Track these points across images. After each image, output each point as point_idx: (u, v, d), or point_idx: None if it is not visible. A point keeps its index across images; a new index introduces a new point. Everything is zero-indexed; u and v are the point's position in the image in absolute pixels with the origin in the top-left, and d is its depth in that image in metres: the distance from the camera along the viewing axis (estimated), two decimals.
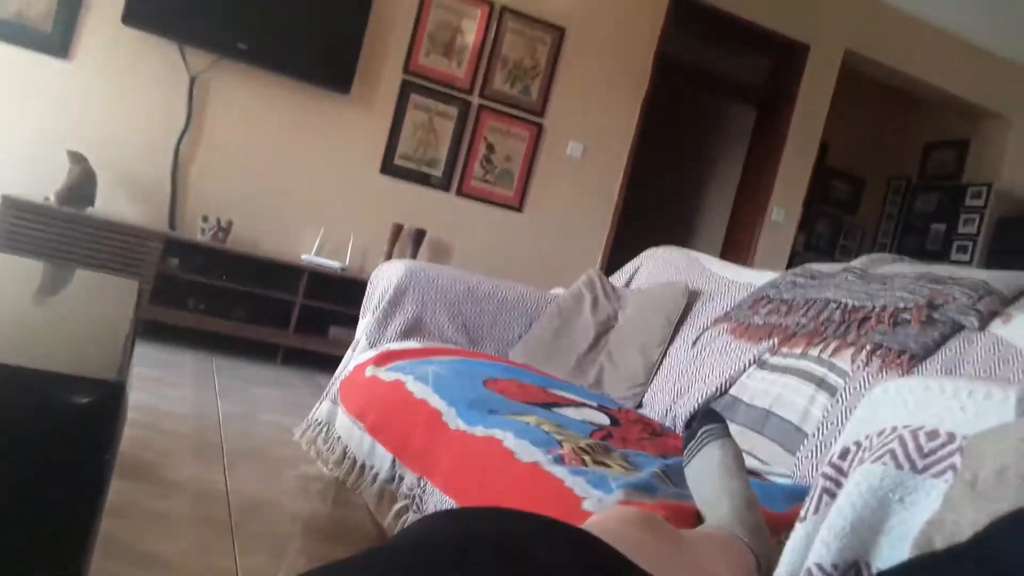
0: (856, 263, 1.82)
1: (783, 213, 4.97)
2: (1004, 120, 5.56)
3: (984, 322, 1.40)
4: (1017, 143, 5.57)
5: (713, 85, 5.37)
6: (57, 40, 3.49)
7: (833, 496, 0.71)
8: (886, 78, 5.43)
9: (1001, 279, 1.50)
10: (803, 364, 1.56)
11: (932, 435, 0.66)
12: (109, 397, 0.91)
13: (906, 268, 1.69)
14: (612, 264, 4.37)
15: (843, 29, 4.95)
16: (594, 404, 1.57)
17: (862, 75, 5.43)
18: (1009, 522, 0.51)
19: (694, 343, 1.91)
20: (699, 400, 1.69)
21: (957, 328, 1.42)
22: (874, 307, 1.56)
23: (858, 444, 0.76)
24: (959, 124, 5.87)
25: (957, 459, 0.62)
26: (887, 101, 6.23)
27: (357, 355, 2.00)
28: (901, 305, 1.51)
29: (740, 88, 5.28)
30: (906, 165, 6.32)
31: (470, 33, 4.13)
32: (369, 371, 1.74)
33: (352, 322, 3.04)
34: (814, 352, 1.57)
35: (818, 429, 1.41)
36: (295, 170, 3.92)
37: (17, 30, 3.43)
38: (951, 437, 0.64)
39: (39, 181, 3.40)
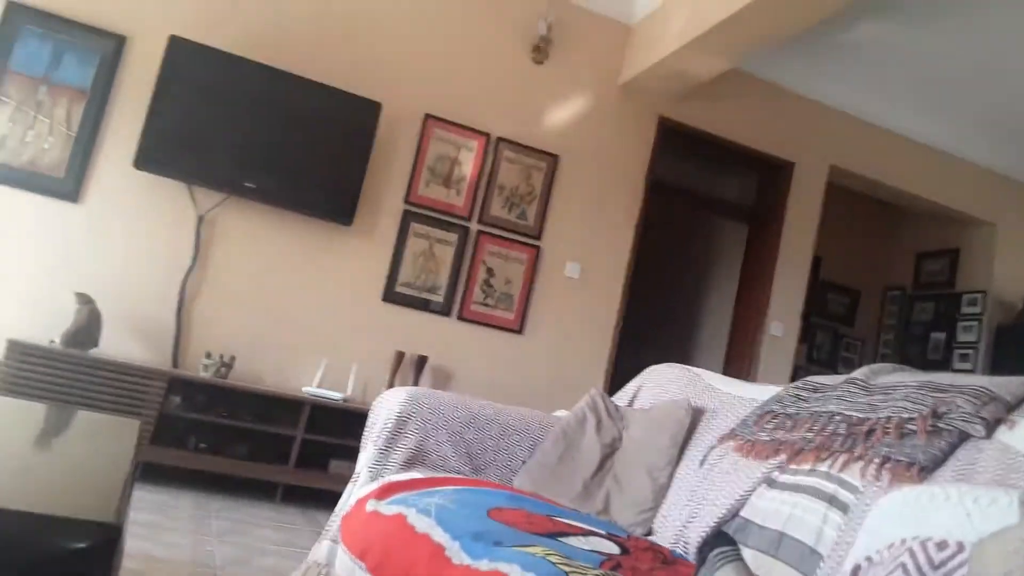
0: (857, 374, 1.82)
1: (782, 327, 5.00)
2: (991, 228, 5.69)
3: (990, 429, 1.38)
4: (1006, 250, 5.68)
5: (704, 204, 5.53)
6: (70, 185, 3.63)
7: None
8: (872, 191, 5.60)
9: (1002, 385, 1.49)
10: (813, 481, 1.53)
11: (941, 545, 0.64)
12: (105, 541, 0.89)
13: (907, 377, 1.69)
14: (615, 383, 4.36)
15: (826, 146, 5.15)
16: (602, 532, 1.53)
17: (849, 189, 5.61)
18: None
19: (701, 463, 1.88)
20: (710, 524, 1.64)
21: (963, 437, 1.41)
22: (878, 418, 1.55)
23: (869, 559, 0.74)
24: (948, 233, 6.00)
25: (967, 570, 0.61)
26: (876, 213, 6.40)
27: (358, 489, 1.96)
28: (905, 415, 1.50)
29: (731, 206, 5.43)
30: (900, 275, 6.41)
31: (468, 163, 4.30)
32: (370, 505, 1.70)
33: (353, 455, 3.00)
34: (823, 468, 1.54)
35: (833, 550, 1.36)
36: (298, 302, 3.98)
37: (30, 177, 3.58)
38: (960, 546, 0.63)
39: (46, 323, 3.45)
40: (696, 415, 2.04)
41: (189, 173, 3.71)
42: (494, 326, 4.33)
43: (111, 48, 3.71)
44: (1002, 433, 1.37)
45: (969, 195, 5.58)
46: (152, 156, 3.63)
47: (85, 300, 3.40)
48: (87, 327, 3.37)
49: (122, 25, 3.75)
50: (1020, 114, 4.92)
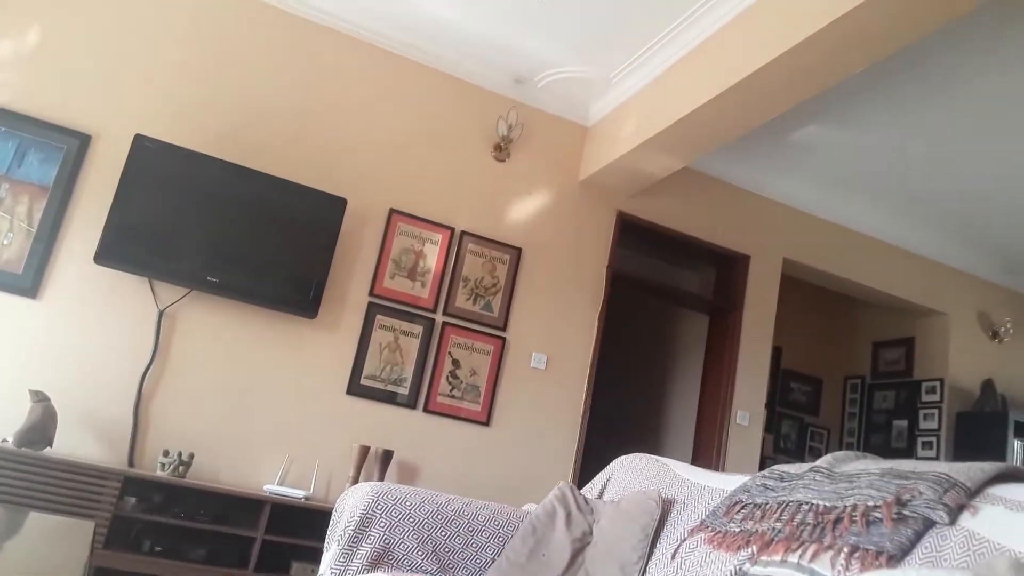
0: (821, 462, 1.84)
1: (747, 416, 5.03)
2: (944, 317, 5.87)
3: (953, 516, 1.40)
4: (959, 338, 5.85)
5: (665, 295, 5.64)
6: (28, 281, 3.58)
7: None
8: (826, 283, 5.77)
9: (963, 471, 1.52)
10: (784, 572, 1.53)
11: None
12: None
13: (870, 465, 1.71)
14: (583, 473, 4.32)
15: (779, 240, 5.33)
16: None
17: (803, 281, 5.77)
18: None
19: (673, 556, 1.86)
20: None
21: (928, 524, 1.42)
22: (845, 507, 1.56)
23: None
24: (903, 322, 6.17)
25: None
26: (832, 303, 6.57)
27: None
28: (871, 503, 1.52)
29: (691, 297, 5.54)
30: (859, 364, 6.54)
31: (432, 256, 4.35)
32: None
33: (316, 556, 2.91)
34: (793, 559, 1.54)
35: None
36: (260, 397, 3.91)
37: None
38: None
39: None
40: (666, 506, 2.03)
41: (151, 268, 3.69)
42: (461, 418, 4.29)
43: (76, 146, 3.74)
44: (966, 519, 1.39)
45: (920, 286, 5.78)
46: (113, 251, 3.61)
47: (40, 397, 3.30)
48: (41, 425, 3.27)
49: (88, 123, 3.79)
50: (963, 208, 5.17)
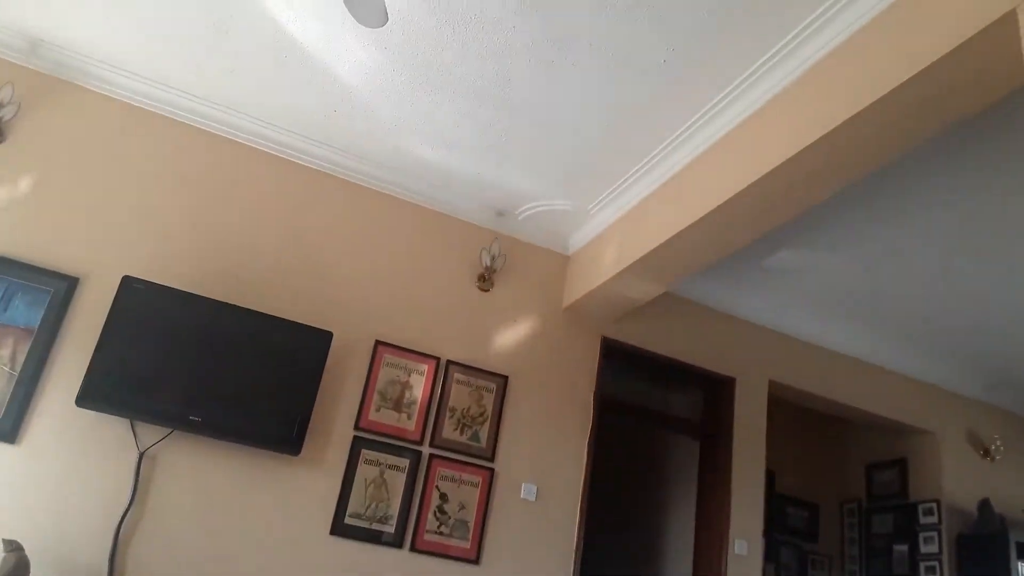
0: None
1: (746, 545, 4.89)
2: (933, 436, 5.84)
3: None
4: (951, 458, 5.81)
5: (654, 419, 5.60)
6: (8, 426, 3.51)
7: None
8: (813, 404, 5.77)
9: None
10: None
11: None
12: None
13: None
14: None
15: (764, 362, 5.37)
16: None
17: (792, 403, 5.77)
18: None
19: None
20: None
21: None
22: None
23: None
24: (893, 443, 6.14)
25: None
26: (821, 426, 6.54)
27: None
28: None
29: (680, 421, 5.51)
30: (854, 486, 6.44)
31: (418, 387, 4.34)
32: None
33: None
34: None
35: None
36: (240, 539, 3.78)
37: None
38: None
39: None
40: None
41: (132, 408, 3.63)
42: (450, 556, 4.14)
43: (63, 288, 3.75)
44: None
45: (906, 406, 5.79)
46: (96, 393, 3.55)
47: (13, 547, 3.18)
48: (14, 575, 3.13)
49: (77, 267, 3.84)
50: (938, 327, 5.26)
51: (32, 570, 3.22)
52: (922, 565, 5.58)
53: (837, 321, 5.40)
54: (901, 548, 5.79)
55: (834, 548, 6.39)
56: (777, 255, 4.65)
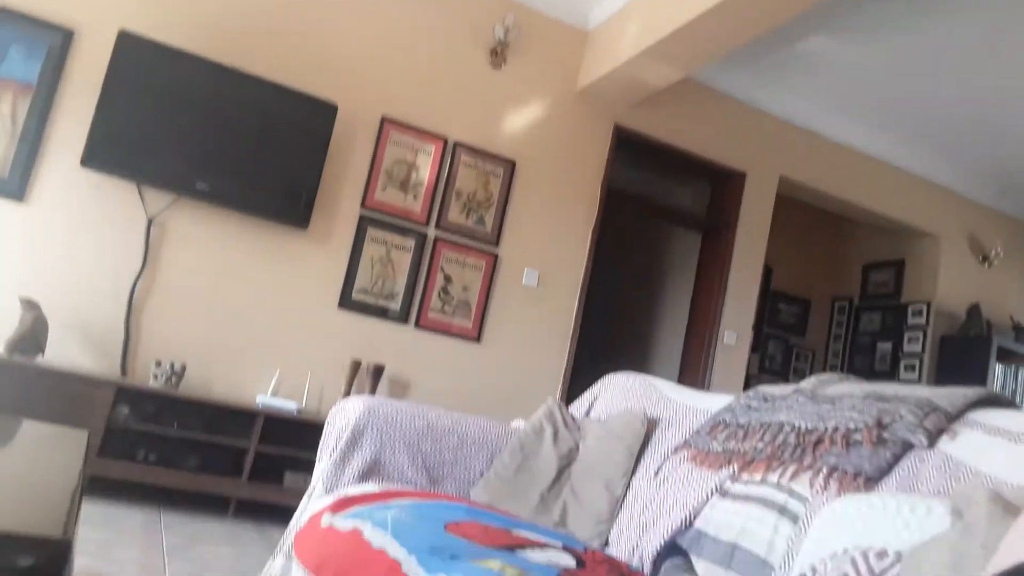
0: (805, 384, 1.87)
1: (735, 336, 5.09)
2: (935, 239, 5.88)
3: (932, 439, 1.43)
4: (949, 262, 5.87)
5: (659, 212, 5.60)
6: (14, 184, 3.52)
7: None
8: (821, 202, 5.74)
9: (944, 396, 1.55)
10: (764, 491, 1.57)
11: (881, 555, 0.67)
12: (54, 557, 0.87)
13: (853, 388, 1.74)
14: (572, 391, 4.39)
15: (776, 157, 5.26)
16: (559, 545, 1.54)
17: (798, 200, 5.74)
18: None
19: (656, 473, 1.90)
20: (665, 535, 1.67)
21: (907, 447, 1.45)
22: (826, 428, 1.59)
23: (814, 569, 0.77)
24: (894, 245, 6.18)
25: None
26: (825, 224, 6.56)
27: (313, 502, 1.94)
28: (852, 426, 1.54)
29: (685, 214, 5.52)
30: (848, 286, 6.58)
31: (425, 168, 4.29)
32: (325, 520, 1.69)
33: (308, 467, 2.97)
34: (773, 478, 1.58)
35: (784, 561, 1.39)
36: (252, 309, 3.92)
37: None
38: (899, 556, 0.66)
39: None
40: (651, 425, 2.07)
41: (138, 173, 3.63)
42: (452, 334, 4.32)
43: (58, 41, 3.61)
44: (944, 443, 1.42)
45: (913, 207, 5.76)
46: (100, 154, 3.53)
47: (31, 306, 3.30)
48: (32, 334, 3.28)
49: (69, 17, 3.65)
50: (960, 129, 5.11)
51: (51, 329, 3.37)
52: (903, 363, 5.84)
53: (855, 117, 5.24)
54: (885, 346, 6.04)
55: (819, 343, 6.67)
56: (807, 40, 4.39)
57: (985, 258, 5.99)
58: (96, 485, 3.22)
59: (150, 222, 3.72)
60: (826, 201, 5.66)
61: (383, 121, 4.22)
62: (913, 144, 5.45)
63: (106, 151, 3.54)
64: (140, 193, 3.71)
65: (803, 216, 6.29)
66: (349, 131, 4.13)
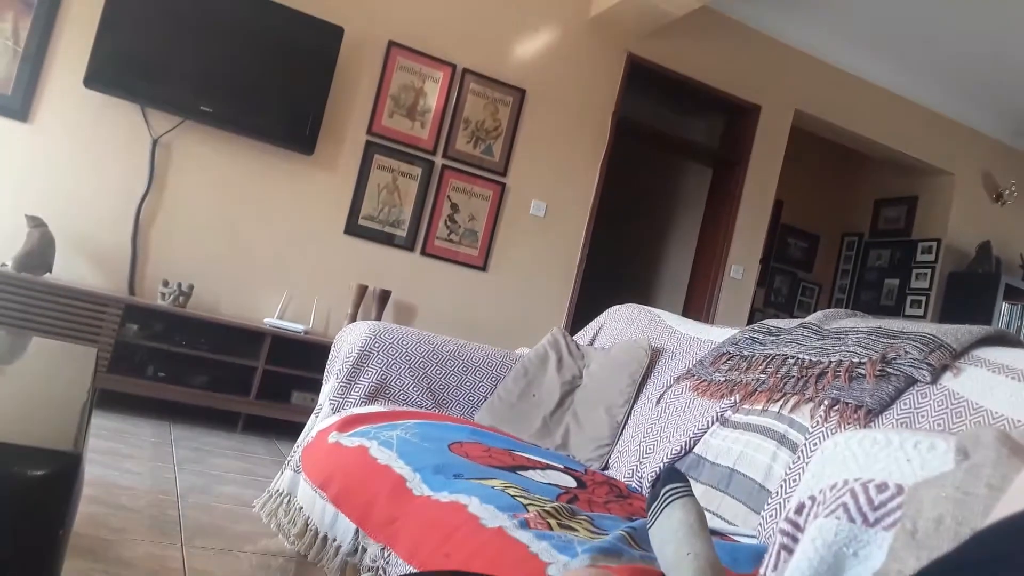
0: (811, 319, 1.87)
1: (741, 270, 5.07)
2: (949, 177, 5.79)
3: (936, 375, 1.44)
4: (962, 199, 5.80)
5: (670, 145, 5.52)
6: (17, 103, 3.48)
7: (791, 552, 0.72)
8: (835, 137, 5.64)
9: (950, 332, 1.54)
10: (764, 421, 1.58)
11: (881, 487, 0.68)
12: (64, 469, 0.89)
13: (859, 323, 1.74)
14: (576, 322, 4.41)
15: (792, 90, 5.15)
16: (560, 466, 1.57)
17: (813, 134, 5.64)
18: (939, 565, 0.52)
19: (658, 401, 1.93)
20: (664, 460, 1.69)
21: (910, 382, 1.46)
22: (830, 362, 1.59)
23: (812, 499, 0.78)
24: (907, 181, 6.10)
25: (902, 512, 0.64)
26: (838, 159, 6.46)
27: (320, 421, 1.97)
28: (856, 360, 1.55)
29: (696, 148, 5.43)
30: (858, 222, 6.52)
31: (432, 95, 4.21)
32: (332, 437, 1.72)
33: (315, 387, 3.01)
34: (774, 408, 1.59)
35: (781, 487, 1.42)
36: (258, 232, 3.91)
37: None
38: (900, 489, 0.66)
39: None
40: (655, 355, 2.08)
41: (142, 94, 3.58)
42: (458, 262, 4.32)
43: None
44: (947, 379, 1.42)
45: (928, 143, 5.66)
46: (103, 75, 3.48)
47: (37, 223, 3.30)
48: (40, 250, 3.28)
49: None
50: (980, 66, 4.98)
51: (57, 247, 3.38)
52: (909, 299, 5.84)
53: (874, 51, 5.10)
54: (892, 282, 6.03)
55: (827, 278, 6.65)
56: None
57: (999, 196, 5.91)
58: (106, 400, 3.28)
59: (155, 143, 3.69)
60: (841, 135, 5.56)
61: (390, 45, 4.12)
62: (931, 80, 5.32)
63: (109, 72, 3.49)
64: (144, 114, 3.66)
65: (816, 150, 6.19)
66: (356, 55, 4.04)
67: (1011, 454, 0.62)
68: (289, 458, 1.96)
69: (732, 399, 1.70)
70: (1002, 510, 0.46)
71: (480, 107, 4.33)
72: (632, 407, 1.98)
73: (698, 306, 5.12)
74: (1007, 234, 5.92)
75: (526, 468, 1.48)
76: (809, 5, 4.70)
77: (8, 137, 3.49)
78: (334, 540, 1.49)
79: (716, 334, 2.06)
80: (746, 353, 1.82)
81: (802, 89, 5.18)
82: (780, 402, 1.60)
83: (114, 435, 2.89)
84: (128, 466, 2.54)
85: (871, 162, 6.30)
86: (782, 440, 1.51)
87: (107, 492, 2.19)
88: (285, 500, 1.82)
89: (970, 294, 5.56)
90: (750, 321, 4.91)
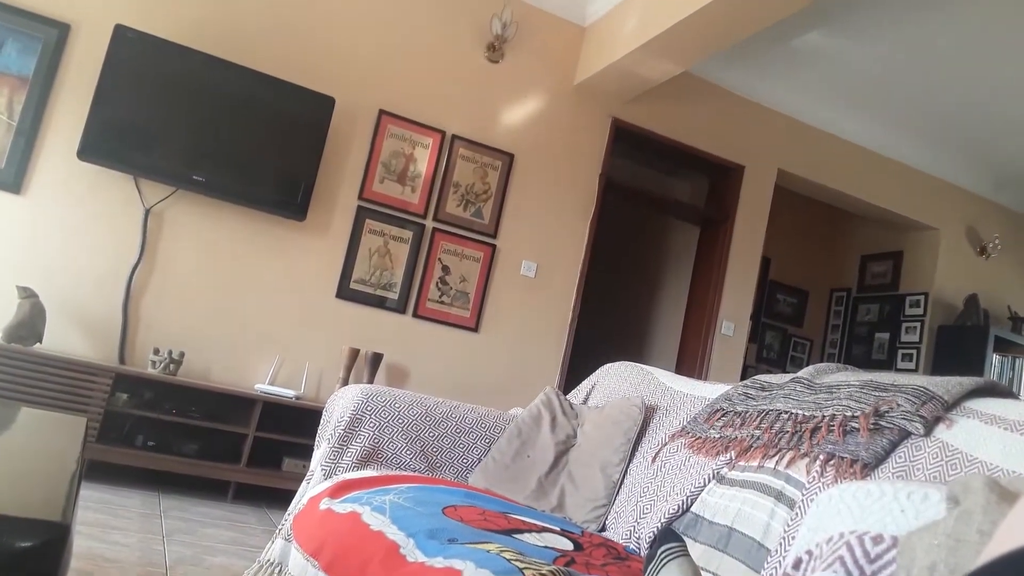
0: (803, 373, 1.87)
1: (732, 326, 5.09)
2: (934, 232, 5.88)
3: (929, 428, 1.44)
4: (947, 253, 5.88)
5: (657, 205, 5.60)
6: (11, 176, 3.52)
7: None
8: (819, 195, 5.74)
9: (940, 384, 1.55)
10: (760, 477, 1.57)
11: (877, 539, 0.67)
12: (52, 540, 0.87)
13: (850, 377, 1.74)
14: (569, 381, 4.40)
15: (774, 150, 5.26)
16: (556, 528, 1.55)
17: (796, 193, 5.74)
18: None
19: (654, 459, 1.91)
20: (662, 520, 1.67)
21: (904, 435, 1.46)
22: (823, 416, 1.59)
23: (809, 553, 0.77)
24: (892, 236, 6.19)
25: (897, 562, 0.64)
26: (823, 216, 6.56)
27: (312, 487, 1.95)
28: (848, 414, 1.55)
29: (683, 207, 5.52)
30: (846, 277, 6.58)
31: (423, 160, 4.29)
32: (324, 504, 1.69)
33: (307, 453, 2.98)
34: (770, 464, 1.58)
35: (780, 544, 1.40)
36: (250, 298, 3.92)
37: None
38: (895, 541, 0.66)
39: None
40: (649, 413, 2.07)
41: (135, 165, 3.63)
42: (450, 323, 4.33)
43: (54, 36, 3.61)
44: (941, 431, 1.42)
45: (911, 200, 5.76)
46: (97, 147, 3.53)
47: (28, 293, 3.30)
48: (30, 321, 3.28)
49: (66, 13, 3.65)
50: (957, 121, 5.11)
51: (48, 317, 3.37)
52: (900, 352, 5.86)
53: (854, 111, 5.24)
54: (883, 336, 6.05)
55: (817, 333, 6.68)
56: (804, 36, 4.38)
57: (983, 250, 5.99)
58: (95, 471, 3.23)
59: (147, 212, 3.72)
60: (824, 194, 5.66)
61: (381, 114, 4.21)
62: (911, 137, 5.45)
63: (102, 144, 3.54)
64: (137, 185, 3.71)
65: (801, 208, 6.29)
66: (347, 123, 4.12)
67: (1000, 500, 0.62)
68: (280, 526, 1.92)
69: (728, 456, 1.69)
70: (990, 552, 0.47)
71: (469, 171, 4.40)
72: (628, 466, 1.96)
73: (691, 363, 5.12)
74: (993, 286, 5.99)
75: (522, 531, 1.46)
76: (787, 68, 4.84)
77: (1, 209, 3.51)
78: None
79: (709, 390, 2.06)
80: (740, 409, 1.82)
81: (784, 149, 5.29)
82: (776, 458, 1.59)
83: (103, 506, 2.83)
84: (116, 538, 2.49)
85: (856, 218, 6.40)
86: (779, 496, 1.50)
87: (95, 565, 2.14)
88: (276, 570, 1.78)
89: (961, 347, 5.59)
90: (743, 377, 4.91)
